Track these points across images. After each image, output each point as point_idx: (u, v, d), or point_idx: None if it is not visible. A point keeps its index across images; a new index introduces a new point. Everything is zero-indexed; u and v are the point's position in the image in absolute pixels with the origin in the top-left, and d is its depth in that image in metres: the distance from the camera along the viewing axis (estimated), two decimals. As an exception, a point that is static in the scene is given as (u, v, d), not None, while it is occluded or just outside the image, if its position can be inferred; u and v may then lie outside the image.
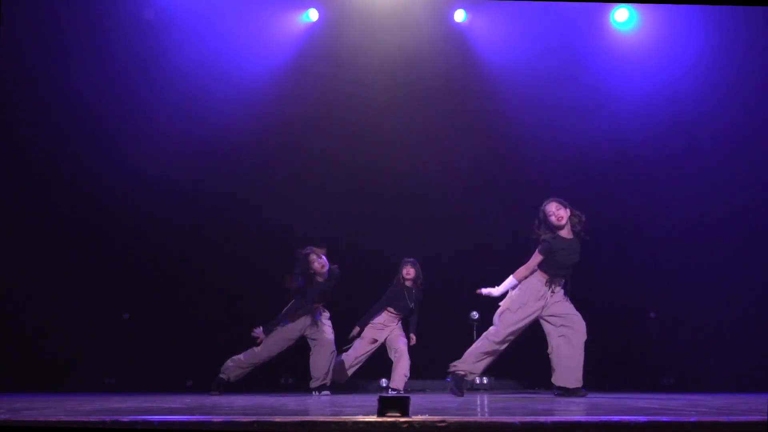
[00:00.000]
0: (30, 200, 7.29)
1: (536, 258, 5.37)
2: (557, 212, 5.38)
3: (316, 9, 7.79)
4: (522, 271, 5.40)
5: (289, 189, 7.68)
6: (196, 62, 7.50)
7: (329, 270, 6.28)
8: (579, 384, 5.34)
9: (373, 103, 7.54)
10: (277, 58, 7.78)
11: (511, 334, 5.41)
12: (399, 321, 6.61)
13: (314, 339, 6.36)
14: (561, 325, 5.39)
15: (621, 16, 7.67)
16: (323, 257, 6.23)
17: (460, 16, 7.80)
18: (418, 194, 7.78)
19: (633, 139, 7.54)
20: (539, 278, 5.42)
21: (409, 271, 6.53)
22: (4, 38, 6.62)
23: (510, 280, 5.43)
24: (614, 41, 7.80)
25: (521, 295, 5.41)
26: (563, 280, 5.47)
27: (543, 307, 5.41)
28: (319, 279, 6.29)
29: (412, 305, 6.52)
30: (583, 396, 5.25)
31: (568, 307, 5.45)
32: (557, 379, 5.38)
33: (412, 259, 6.61)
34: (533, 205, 7.67)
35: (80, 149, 7.41)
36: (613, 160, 7.61)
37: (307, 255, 6.21)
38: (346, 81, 7.58)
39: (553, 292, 5.41)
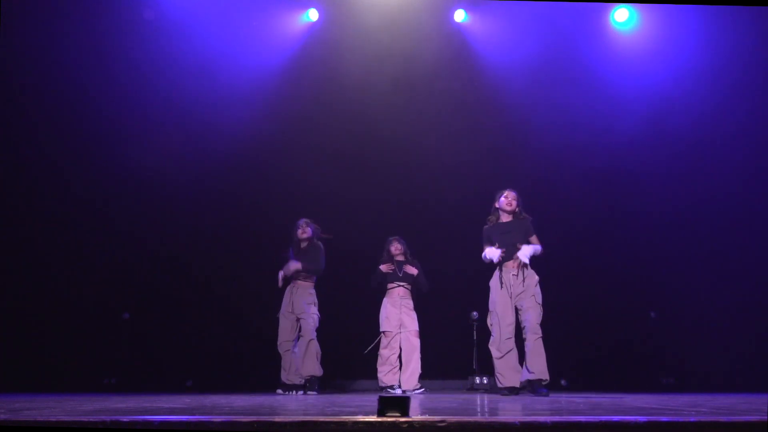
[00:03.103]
0: (29, 200, 7.29)
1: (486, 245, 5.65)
2: (503, 196, 5.69)
3: (316, 9, 7.79)
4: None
5: (289, 189, 7.68)
6: (196, 62, 7.51)
7: (311, 238, 6.50)
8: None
9: (373, 103, 7.54)
10: (277, 58, 7.79)
11: (507, 334, 5.41)
12: (407, 295, 6.62)
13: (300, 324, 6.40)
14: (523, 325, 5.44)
15: (621, 16, 7.67)
16: (309, 228, 6.49)
17: (460, 16, 7.81)
18: (417, 194, 7.78)
19: (633, 138, 7.54)
20: (495, 272, 5.57)
21: (396, 247, 6.68)
22: (3, 38, 6.62)
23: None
24: (614, 41, 7.80)
25: (491, 295, 5.57)
26: (516, 262, 5.50)
27: (512, 295, 5.48)
28: (302, 245, 6.50)
29: (400, 273, 6.60)
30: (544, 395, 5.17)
31: (525, 300, 5.44)
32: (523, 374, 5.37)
33: (397, 237, 6.76)
34: (533, 204, 7.71)
35: (80, 149, 7.41)
36: (613, 160, 7.61)
37: (297, 225, 6.53)
38: (345, 81, 7.58)
39: (514, 275, 5.47)
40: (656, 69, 7.61)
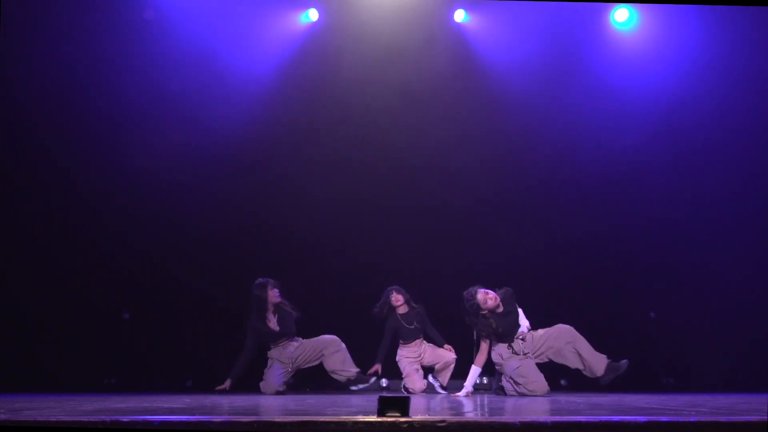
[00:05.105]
0: (30, 200, 7.28)
1: (483, 345, 5.79)
2: (486, 299, 5.73)
3: (316, 9, 7.78)
4: (478, 358, 5.78)
5: (288, 192, 7.66)
6: (196, 63, 7.49)
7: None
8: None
9: (373, 104, 7.52)
10: (276, 58, 7.77)
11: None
12: (421, 344, 6.65)
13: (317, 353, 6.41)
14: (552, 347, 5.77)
15: (621, 16, 7.66)
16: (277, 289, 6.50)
17: (460, 16, 7.80)
18: (418, 195, 7.76)
19: (633, 139, 7.53)
20: (499, 349, 5.77)
21: (397, 298, 6.58)
22: (3, 38, 6.61)
23: (473, 371, 5.77)
24: (614, 41, 7.79)
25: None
26: (520, 338, 5.77)
27: (526, 355, 5.74)
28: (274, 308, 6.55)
29: (413, 327, 6.55)
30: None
31: (542, 335, 5.77)
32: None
33: (395, 286, 6.65)
34: (533, 204, 7.71)
35: (80, 149, 7.39)
36: (613, 161, 7.60)
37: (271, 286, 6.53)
38: (345, 82, 7.57)
39: (522, 347, 5.72)
40: (656, 69, 7.60)
